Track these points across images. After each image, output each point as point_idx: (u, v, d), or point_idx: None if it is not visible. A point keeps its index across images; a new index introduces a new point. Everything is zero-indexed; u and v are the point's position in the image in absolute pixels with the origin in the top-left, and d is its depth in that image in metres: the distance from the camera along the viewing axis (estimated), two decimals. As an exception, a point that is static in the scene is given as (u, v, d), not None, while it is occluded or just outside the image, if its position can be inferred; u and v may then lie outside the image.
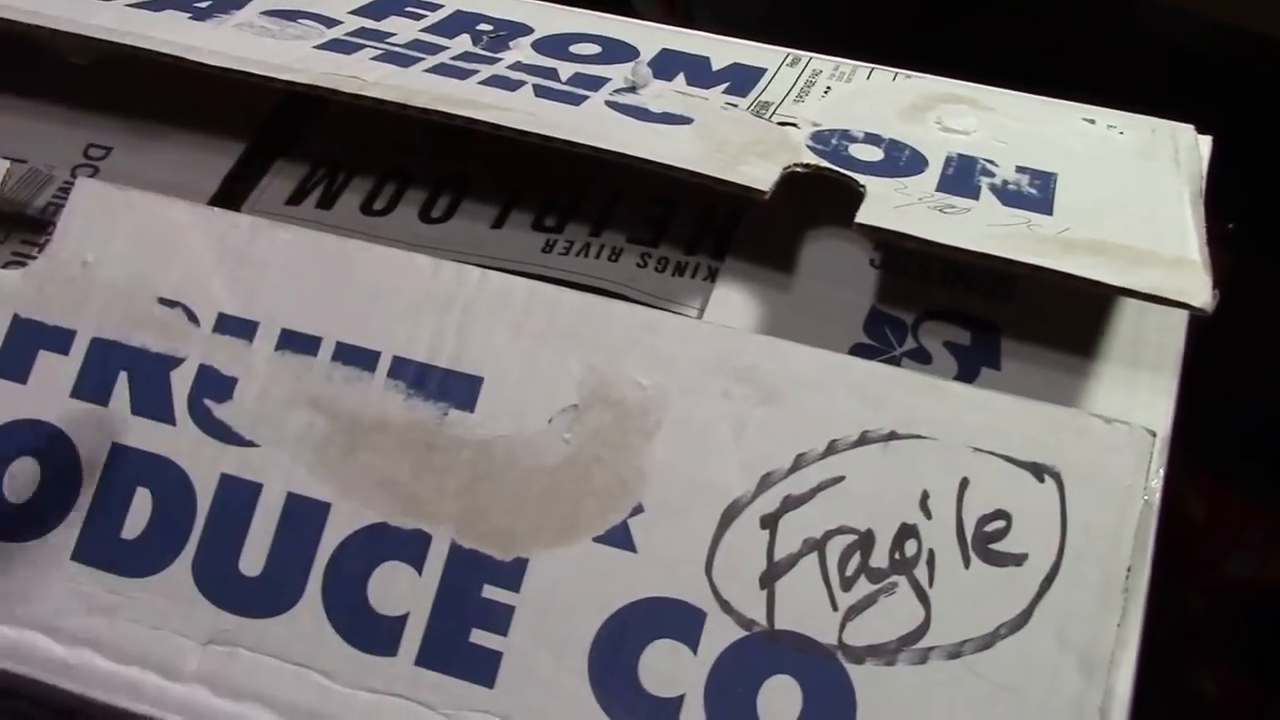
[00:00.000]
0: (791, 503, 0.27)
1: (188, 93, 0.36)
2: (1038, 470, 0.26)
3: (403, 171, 0.36)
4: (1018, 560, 0.26)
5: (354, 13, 0.37)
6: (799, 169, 0.30)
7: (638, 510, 0.27)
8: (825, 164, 0.30)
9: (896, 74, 0.37)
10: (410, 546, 0.28)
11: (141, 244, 0.30)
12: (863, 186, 0.30)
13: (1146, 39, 0.66)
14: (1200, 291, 0.26)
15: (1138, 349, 0.31)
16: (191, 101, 0.37)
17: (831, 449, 0.27)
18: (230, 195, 0.36)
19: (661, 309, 0.32)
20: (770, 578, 0.26)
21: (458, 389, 0.28)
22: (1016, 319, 0.32)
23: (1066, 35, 0.67)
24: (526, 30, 0.37)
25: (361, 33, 0.35)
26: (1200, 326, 0.32)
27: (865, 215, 0.28)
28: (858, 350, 0.31)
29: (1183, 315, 0.31)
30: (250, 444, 0.29)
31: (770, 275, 0.33)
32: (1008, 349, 0.31)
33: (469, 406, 0.28)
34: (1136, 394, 0.30)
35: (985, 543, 0.26)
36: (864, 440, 0.27)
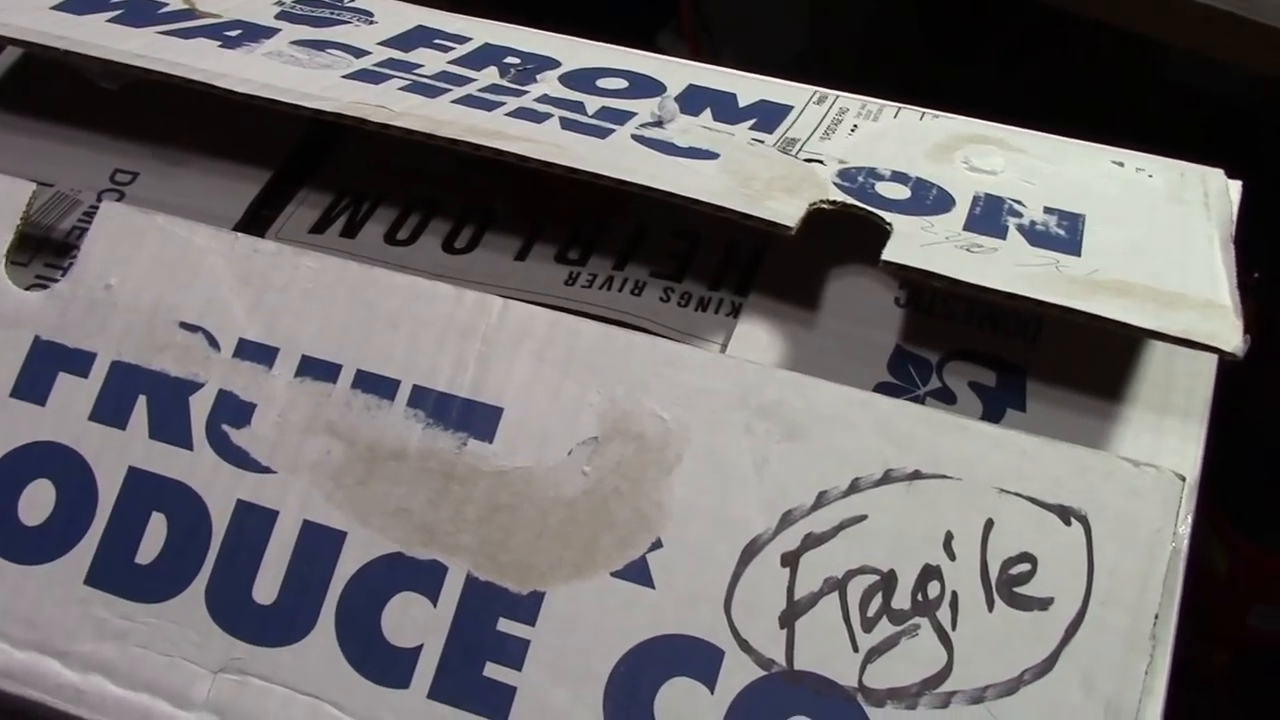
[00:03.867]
0: (813, 541, 0.26)
1: (215, 120, 0.37)
2: (1064, 513, 0.25)
3: (427, 202, 0.36)
4: (1043, 604, 0.25)
5: (382, 44, 0.37)
6: (825, 205, 0.30)
7: (656, 545, 0.27)
8: (852, 201, 0.30)
9: (924, 114, 0.36)
10: (426, 577, 0.27)
11: (164, 268, 0.30)
12: (889, 224, 0.29)
13: (1175, 86, 0.66)
14: (1231, 335, 0.26)
15: (1166, 394, 0.30)
16: (218, 129, 0.37)
17: (854, 487, 0.26)
18: (254, 222, 0.36)
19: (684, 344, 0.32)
20: (790, 617, 0.26)
21: (477, 419, 0.28)
22: (1042, 361, 0.31)
23: (1095, 80, 0.67)
24: (554, 64, 0.37)
25: (389, 63, 0.35)
26: (1221, 374, 0.31)
27: (892, 253, 0.28)
28: (881, 389, 0.31)
29: (1212, 360, 0.31)
30: (267, 470, 0.28)
31: (794, 312, 0.33)
32: (1033, 391, 0.31)
33: (488, 437, 0.28)
34: (1164, 439, 0.30)
35: (1010, 585, 0.25)
36: (888, 479, 0.26)
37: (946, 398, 0.31)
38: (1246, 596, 0.67)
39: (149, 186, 0.37)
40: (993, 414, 0.31)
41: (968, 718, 0.25)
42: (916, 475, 0.26)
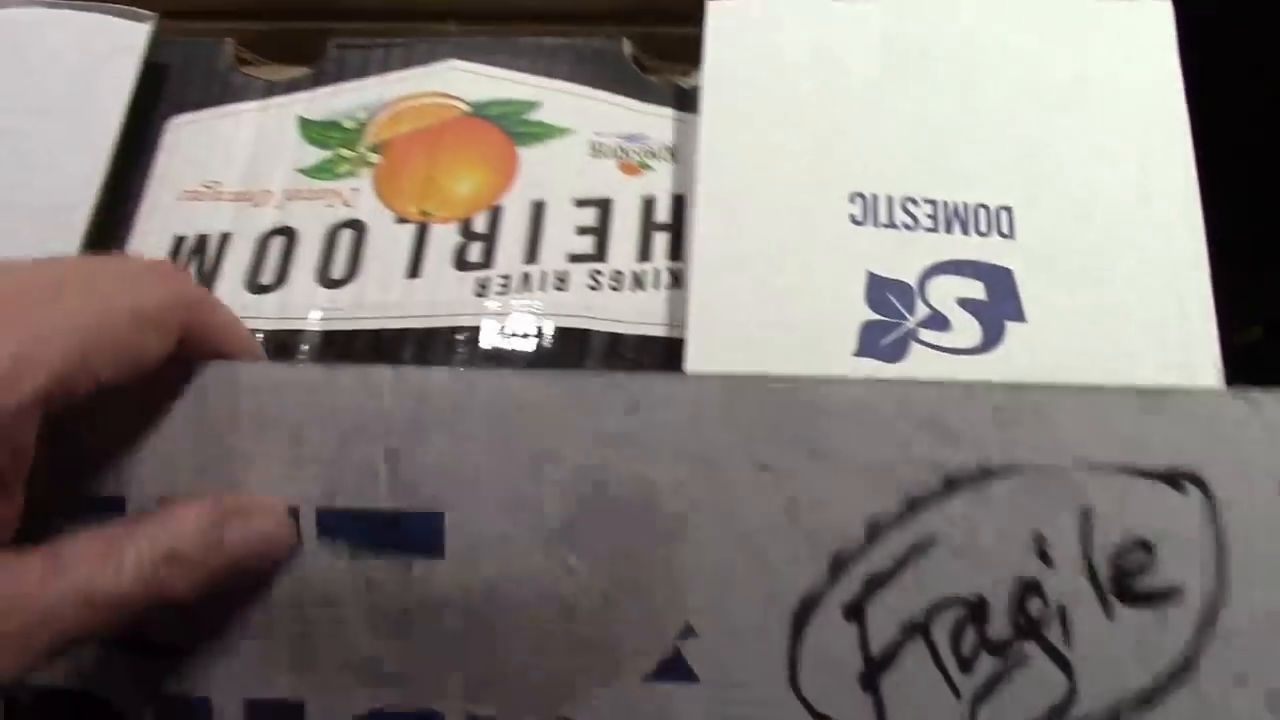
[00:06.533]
0: (877, 582, 0.21)
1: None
2: (1173, 477, 0.21)
3: (278, 230, 0.29)
4: (1170, 596, 0.21)
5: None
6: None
7: (688, 632, 0.21)
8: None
9: None
10: (417, 735, 0.22)
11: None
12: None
13: None
14: None
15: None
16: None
17: (912, 506, 0.21)
18: None
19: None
20: (872, 677, 0.21)
21: (415, 532, 0.22)
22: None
23: None
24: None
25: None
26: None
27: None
28: (869, 331, 0.26)
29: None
30: (178, 651, 0.22)
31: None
32: (1028, 293, 0.26)
33: (436, 551, 0.22)
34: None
35: (1126, 581, 0.21)
36: (950, 487, 0.21)
37: (939, 324, 0.26)
38: None
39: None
40: (992, 335, 0.26)
41: (1110, 747, 0.21)
42: (984, 474, 0.21)
